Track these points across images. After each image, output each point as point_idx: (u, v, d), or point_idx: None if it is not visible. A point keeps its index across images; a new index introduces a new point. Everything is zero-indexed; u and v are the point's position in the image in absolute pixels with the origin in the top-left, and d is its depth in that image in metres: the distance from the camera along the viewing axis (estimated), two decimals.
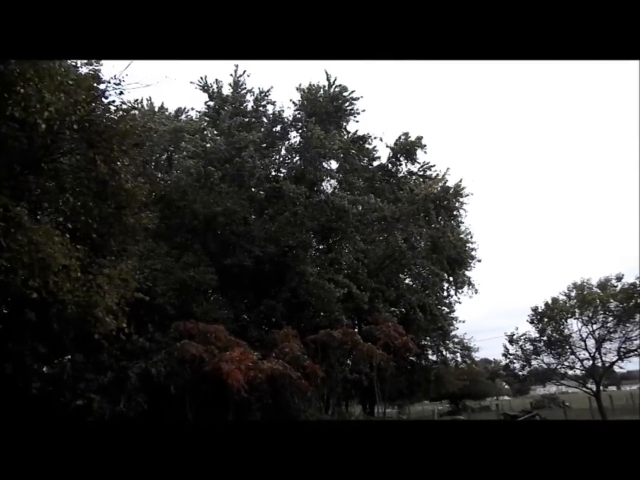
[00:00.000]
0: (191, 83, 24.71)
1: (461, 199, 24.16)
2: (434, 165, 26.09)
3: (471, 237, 28.67)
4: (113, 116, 11.31)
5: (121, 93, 11.35)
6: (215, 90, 25.00)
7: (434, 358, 31.11)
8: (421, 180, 26.46)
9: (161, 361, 14.47)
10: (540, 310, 26.20)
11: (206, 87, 24.97)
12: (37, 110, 9.42)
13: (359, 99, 24.59)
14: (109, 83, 11.10)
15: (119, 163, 11.39)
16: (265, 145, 22.82)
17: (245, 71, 24.44)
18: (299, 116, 23.77)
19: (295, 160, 23.82)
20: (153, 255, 15.92)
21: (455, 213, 24.96)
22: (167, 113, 25.94)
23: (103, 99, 11.30)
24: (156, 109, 25.63)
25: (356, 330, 21.78)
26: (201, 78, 24.86)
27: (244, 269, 19.87)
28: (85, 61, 11.34)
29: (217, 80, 24.95)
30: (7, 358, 12.32)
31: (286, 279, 20.82)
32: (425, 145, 25.35)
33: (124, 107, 11.59)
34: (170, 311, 16.44)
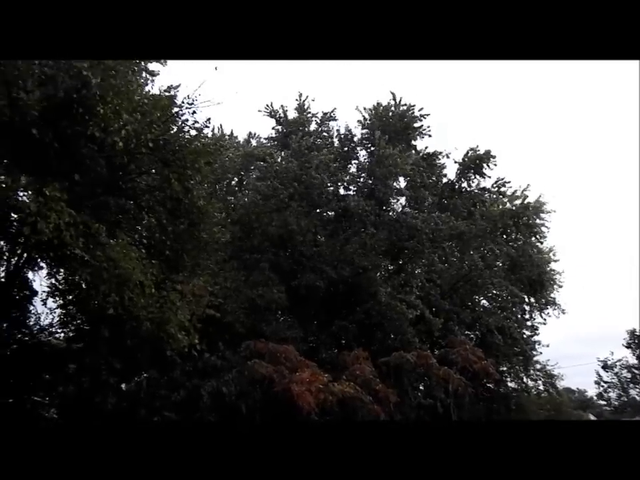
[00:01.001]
0: (259, 111, 25.31)
1: (542, 215, 22.74)
2: (509, 182, 24.86)
3: (554, 255, 26.80)
4: (186, 135, 11.56)
5: (194, 112, 11.62)
6: (282, 115, 25.44)
7: (513, 385, 29.10)
8: (495, 196, 25.27)
9: (232, 380, 14.39)
10: (638, 333, 23.78)
11: (273, 113, 25.47)
12: (115, 130, 9.77)
13: (426, 116, 24.10)
14: (183, 102, 11.40)
15: (192, 181, 11.58)
16: (335, 165, 22.76)
17: (307, 96, 24.88)
18: (367, 135, 23.58)
19: (363, 179, 23.55)
20: (222, 273, 16.07)
21: (535, 229, 23.48)
22: (237, 141, 26.64)
23: (177, 118, 11.57)
24: (226, 137, 26.36)
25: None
26: (267, 105, 25.43)
27: (314, 289, 19.62)
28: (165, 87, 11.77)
29: (282, 105, 25.46)
30: (84, 373, 12.67)
31: (358, 300, 20.32)
32: (495, 156, 24.15)
33: (196, 125, 11.83)
34: (239, 329, 16.45)
